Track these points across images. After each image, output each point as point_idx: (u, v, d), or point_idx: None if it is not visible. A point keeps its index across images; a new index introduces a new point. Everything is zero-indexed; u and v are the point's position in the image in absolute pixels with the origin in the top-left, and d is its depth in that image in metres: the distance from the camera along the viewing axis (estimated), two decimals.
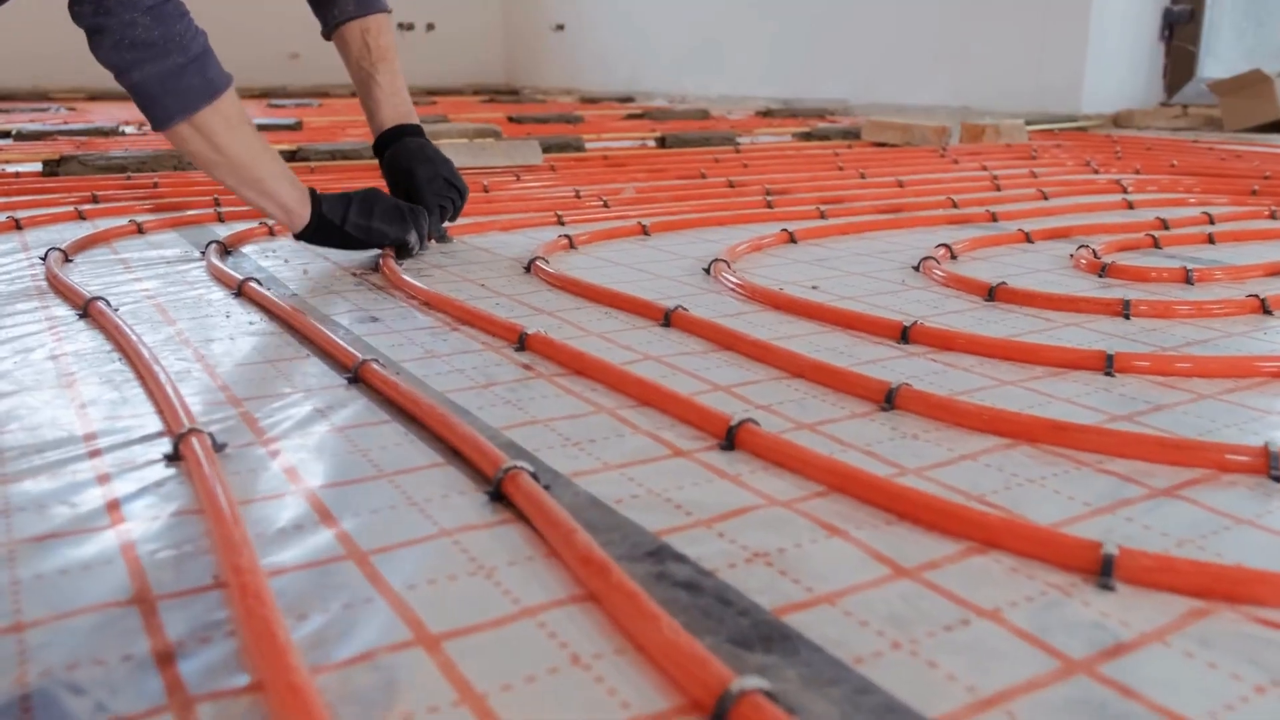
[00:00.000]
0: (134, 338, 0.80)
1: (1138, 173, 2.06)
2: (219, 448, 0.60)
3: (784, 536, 0.50)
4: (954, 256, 1.19)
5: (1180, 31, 3.37)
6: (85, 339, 0.84)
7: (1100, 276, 1.10)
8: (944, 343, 0.82)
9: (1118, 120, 3.32)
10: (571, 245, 1.26)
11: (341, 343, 0.79)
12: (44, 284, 1.04)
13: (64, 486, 0.56)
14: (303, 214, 1.10)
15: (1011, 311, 0.95)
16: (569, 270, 1.10)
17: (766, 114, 3.80)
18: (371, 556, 0.48)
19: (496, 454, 0.56)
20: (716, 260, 1.11)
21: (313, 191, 1.12)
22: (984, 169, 2.12)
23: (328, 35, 1.29)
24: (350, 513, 0.53)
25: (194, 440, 0.58)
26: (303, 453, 0.61)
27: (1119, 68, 3.35)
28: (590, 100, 4.98)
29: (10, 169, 1.96)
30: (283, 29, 5.25)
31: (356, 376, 0.73)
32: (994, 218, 1.48)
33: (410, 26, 5.97)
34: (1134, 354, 0.77)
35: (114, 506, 0.53)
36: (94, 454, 0.60)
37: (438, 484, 0.56)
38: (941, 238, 1.33)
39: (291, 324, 0.88)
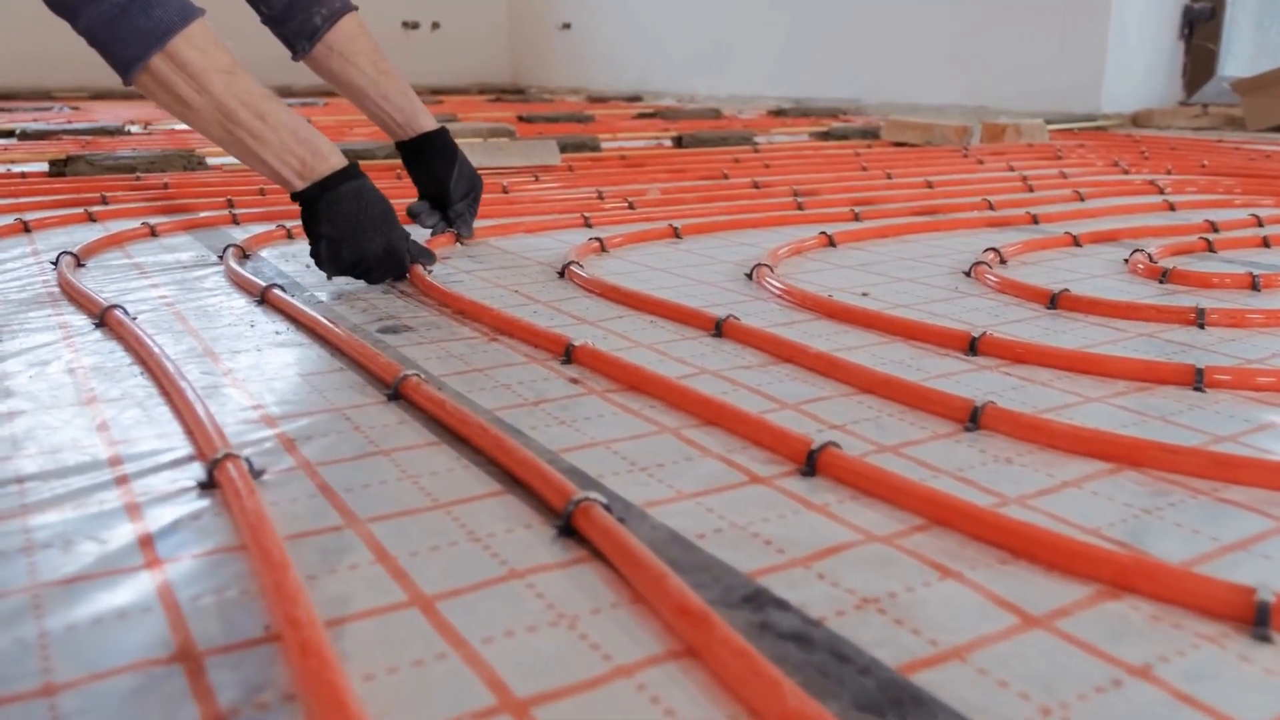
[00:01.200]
0: (156, 350, 0.75)
1: (1169, 173, 2.01)
2: (256, 474, 0.55)
3: (891, 578, 0.45)
4: (1003, 261, 1.14)
5: (1201, 29, 3.32)
6: (103, 350, 0.79)
7: (1161, 282, 1.05)
8: (1016, 355, 0.78)
9: (1137, 120, 3.27)
10: (603, 249, 1.21)
11: (380, 355, 0.74)
12: (57, 290, 0.99)
13: (90, 519, 0.51)
14: (306, 172, 0.93)
15: (1076, 320, 0.90)
16: (603, 275, 1.05)
17: (778, 113, 3.75)
18: (438, 603, 0.43)
19: (564, 483, 0.51)
20: (759, 265, 1.06)
21: (352, 167, 0.95)
22: (1011, 169, 2.08)
23: (307, 49, 1.21)
24: (408, 550, 0.48)
25: (230, 467, 0.53)
26: (349, 480, 0.56)
27: (1138, 66, 3.30)
28: (598, 99, 4.93)
29: (16, 169, 1.91)
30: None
31: (397, 393, 0.68)
32: (1035, 220, 1.43)
33: (415, 25, 5.92)
34: (1220, 367, 0.72)
35: (147, 543, 0.48)
36: (121, 481, 0.55)
37: (499, 516, 0.51)
38: (984, 241, 1.28)
39: (322, 334, 0.83)
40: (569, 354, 0.76)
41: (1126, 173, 2.04)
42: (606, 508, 0.49)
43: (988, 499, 0.54)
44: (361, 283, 1.02)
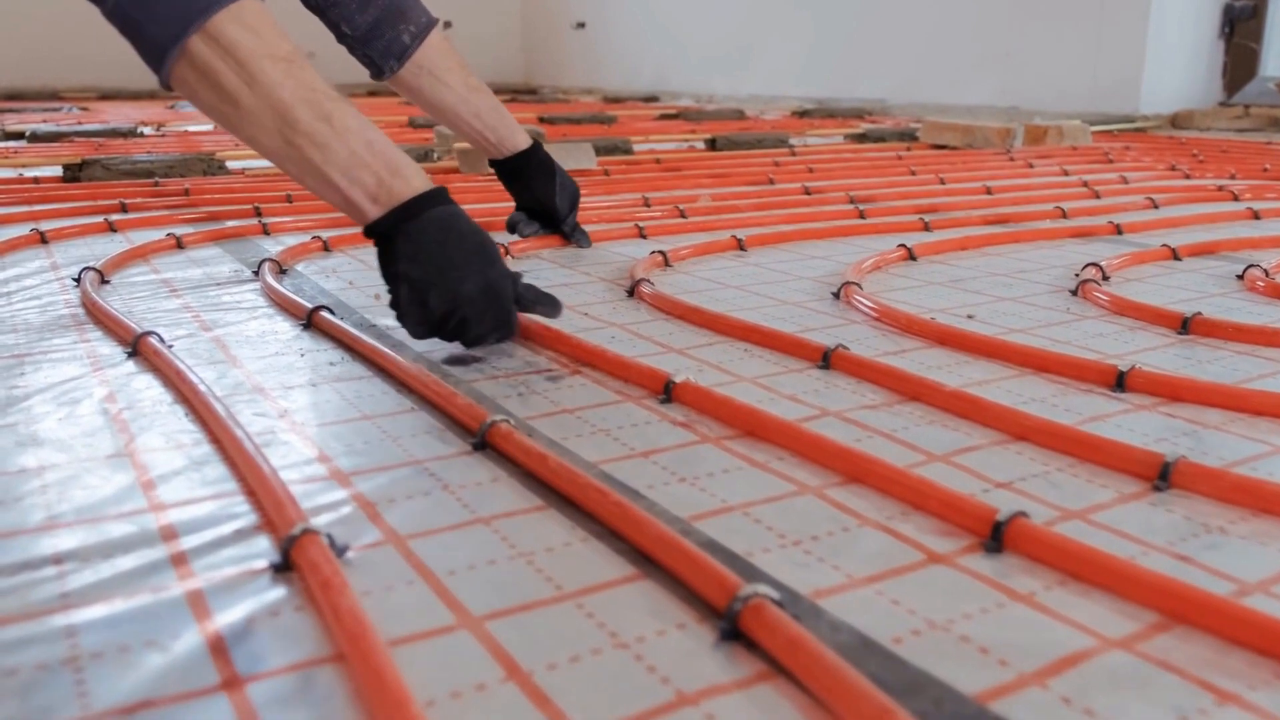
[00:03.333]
0: (201, 387, 0.66)
1: (1233, 177, 1.92)
2: (340, 552, 0.46)
3: (1156, 702, 0.36)
4: (1106, 277, 1.05)
5: (1242, 28, 3.22)
6: (139, 385, 0.70)
7: None
8: (1173, 392, 0.68)
9: (1176, 121, 3.18)
10: (666, 263, 1.12)
11: (457, 394, 0.65)
12: (81, 312, 0.90)
13: (147, 614, 0.42)
14: (383, 195, 0.72)
15: (1216, 349, 0.81)
16: (673, 292, 0.96)
17: (803, 114, 3.66)
18: None
19: (723, 573, 0.42)
20: (847, 283, 0.97)
21: (440, 191, 0.74)
22: (1065, 173, 1.99)
23: (396, 69, 1.13)
24: (544, 661, 0.39)
25: (308, 545, 0.44)
26: (450, 558, 0.47)
27: (1177, 66, 3.20)
28: (613, 100, 4.84)
29: (29, 174, 1.82)
30: (299, 28, 5.10)
31: (484, 441, 0.59)
32: (1118, 230, 1.33)
33: None
34: None
35: (220, 650, 0.39)
36: (178, 561, 0.46)
37: (642, 610, 0.42)
38: (1072, 254, 1.19)
39: (383, 366, 0.74)
40: (669, 391, 0.67)
41: (1188, 177, 1.95)
42: (778, 603, 0.40)
43: (1222, 585, 0.45)
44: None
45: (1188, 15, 3.18)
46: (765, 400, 0.68)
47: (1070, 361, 0.73)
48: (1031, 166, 2.09)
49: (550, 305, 0.81)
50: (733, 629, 0.40)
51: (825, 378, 0.73)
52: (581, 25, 5.67)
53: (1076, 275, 1.05)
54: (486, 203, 1.55)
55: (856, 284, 0.97)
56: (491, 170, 1.25)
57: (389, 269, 0.73)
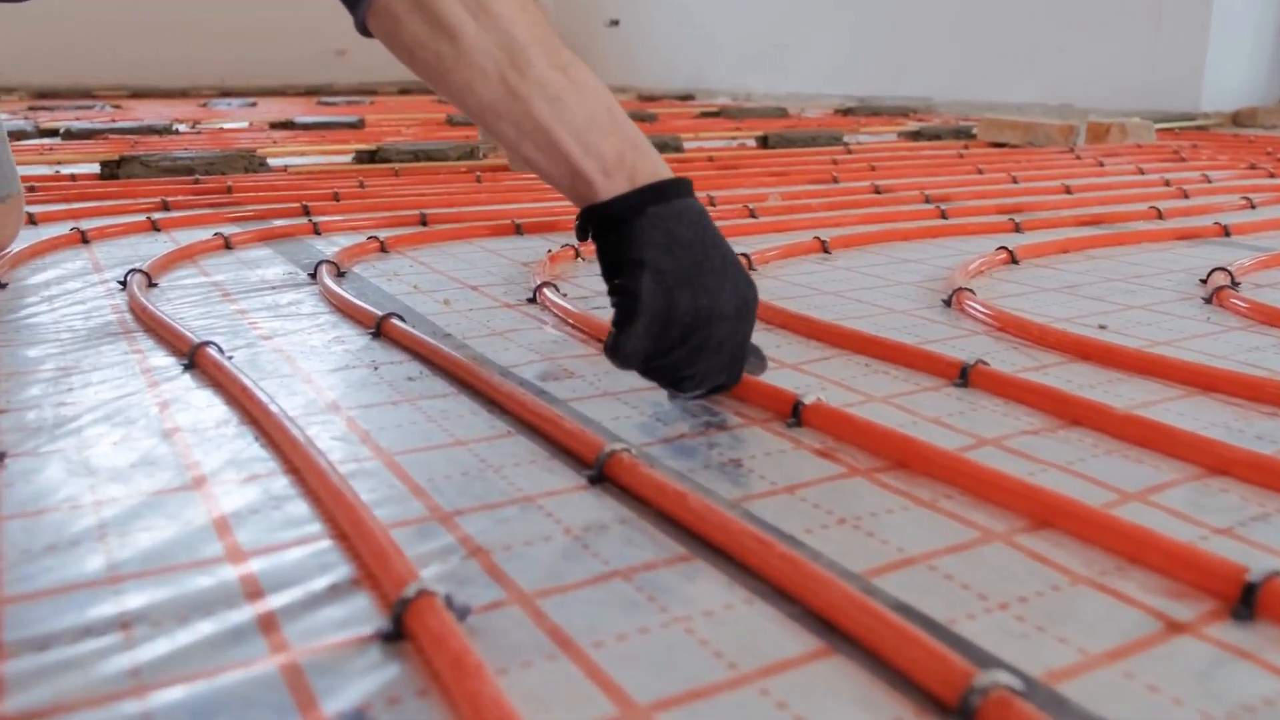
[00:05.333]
0: (274, 408, 0.58)
1: None
2: (460, 615, 0.38)
3: None
4: (1235, 283, 0.96)
5: None
6: (200, 402, 0.63)
7: None
8: None
9: (1238, 119, 3.07)
10: (750, 265, 1.04)
11: (563, 417, 0.57)
12: (129, 317, 0.83)
13: (239, 699, 0.34)
14: (624, 170, 0.58)
15: None
16: (768, 298, 0.87)
17: (846, 112, 3.57)
18: None
19: (947, 656, 0.34)
20: (959, 289, 0.88)
21: (686, 182, 0.60)
22: (1140, 171, 1.89)
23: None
24: None
25: (426, 611, 0.37)
26: (592, 624, 0.39)
27: (1240, 62, 3.09)
28: (648, 98, 4.75)
29: (65, 171, 1.76)
30: (328, 24, 5.06)
31: (602, 474, 0.51)
32: (1226, 231, 1.24)
33: None
34: None
35: None
36: (267, 625, 0.38)
37: (846, 700, 0.34)
38: (1185, 256, 1.10)
39: (468, 381, 0.66)
40: (797, 414, 0.59)
41: (1272, 175, 1.85)
42: (1022, 694, 0.32)
43: None
44: (493, 305, 0.76)
45: (1252, 7, 3.07)
46: (907, 424, 0.60)
47: (1245, 381, 0.65)
48: (1102, 165, 2.00)
49: (759, 358, 0.65)
50: None
51: (967, 397, 0.65)
52: (615, 23, 5.59)
53: (1203, 281, 0.96)
54: (540, 201, 1.47)
55: (970, 290, 0.88)
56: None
57: (626, 256, 0.57)
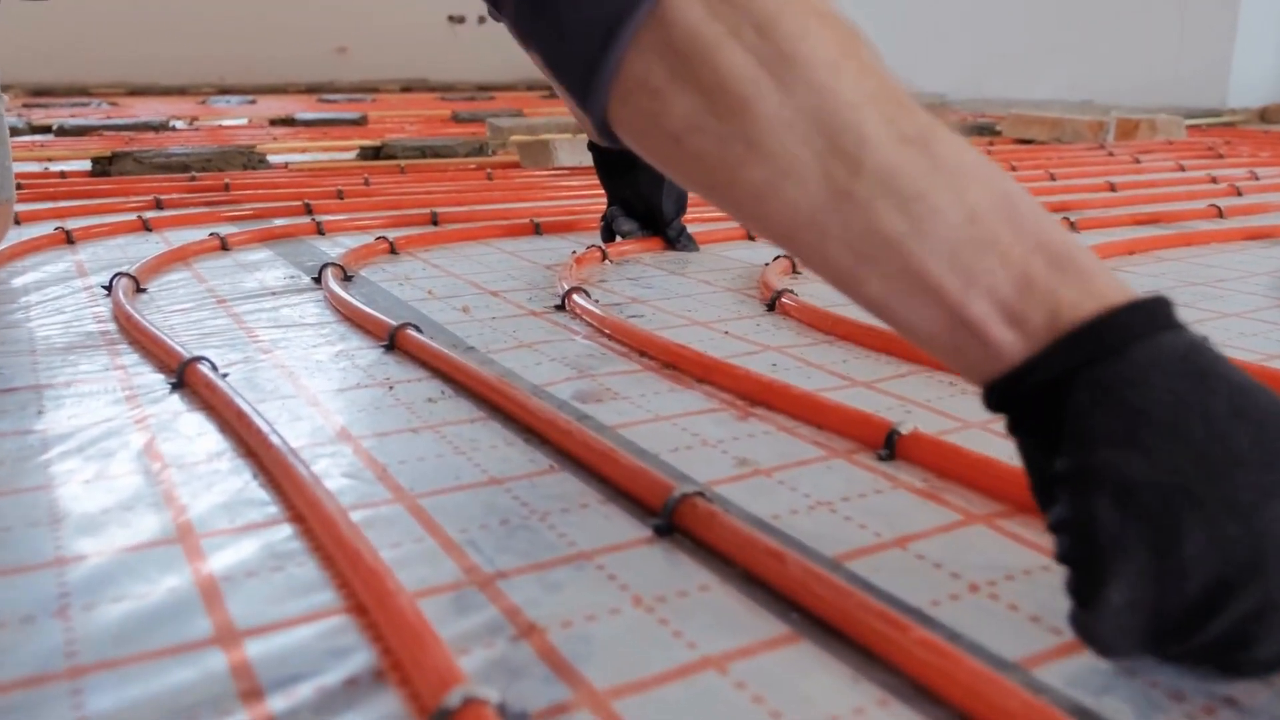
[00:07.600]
0: (275, 439, 0.49)
1: None
2: None
3: None
4: None
5: None
6: (189, 429, 0.54)
7: None
8: None
9: (1265, 115, 2.98)
10: (794, 269, 0.95)
11: (620, 454, 0.48)
12: (112, 327, 0.74)
13: None
14: (1018, 331, 0.33)
15: None
16: (822, 304, 0.79)
17: None
18: None
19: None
20: None
21: (1160, 302, 0.33)
22: (1181, 168, 1.80)
23: None
24: None
25: None
26: None
27: (1269, 57, 3.00)
28: None
29: (55, 168, 1.67)
30: (329, 22, 4.98)
31: (671, 524, 0.43)
32: None
33: (461, 20, 5.69)
34: None
35: None
36: None
37: None
38: (1263, 257, 1.02)
39: (497, 404, 0.57)
40: (891, 445, 0.51)
41: None
42: None
43: None
44: (517, 313, 0.69)
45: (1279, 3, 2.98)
46: (1009, 454, 0.51)
47: None
48: (1138, 161, 1.91)
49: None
50: None
51: None
52: None
53: None
54: (557, 199, 1.39)
55: None
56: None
57: (1059, 463, 0.33)
